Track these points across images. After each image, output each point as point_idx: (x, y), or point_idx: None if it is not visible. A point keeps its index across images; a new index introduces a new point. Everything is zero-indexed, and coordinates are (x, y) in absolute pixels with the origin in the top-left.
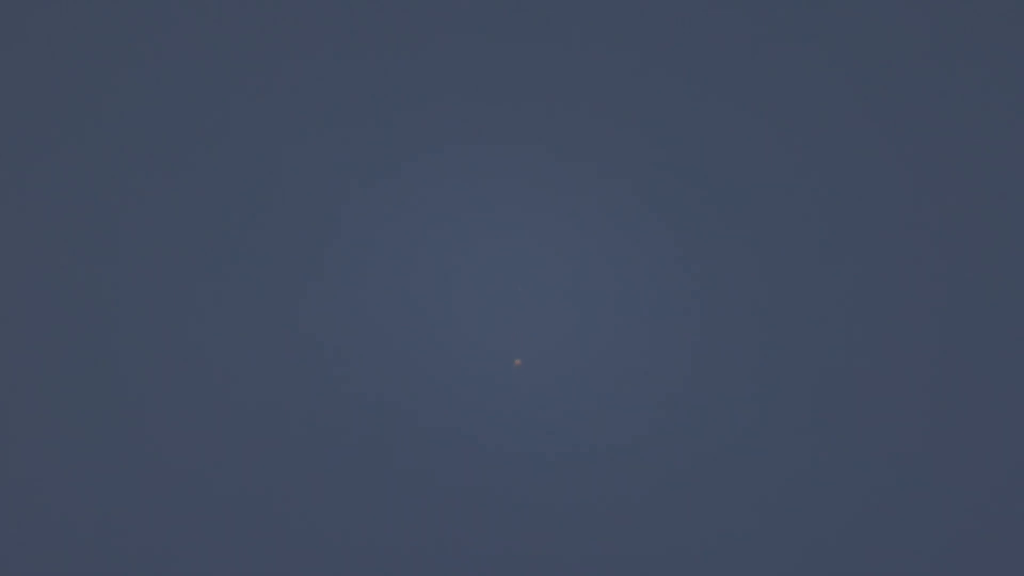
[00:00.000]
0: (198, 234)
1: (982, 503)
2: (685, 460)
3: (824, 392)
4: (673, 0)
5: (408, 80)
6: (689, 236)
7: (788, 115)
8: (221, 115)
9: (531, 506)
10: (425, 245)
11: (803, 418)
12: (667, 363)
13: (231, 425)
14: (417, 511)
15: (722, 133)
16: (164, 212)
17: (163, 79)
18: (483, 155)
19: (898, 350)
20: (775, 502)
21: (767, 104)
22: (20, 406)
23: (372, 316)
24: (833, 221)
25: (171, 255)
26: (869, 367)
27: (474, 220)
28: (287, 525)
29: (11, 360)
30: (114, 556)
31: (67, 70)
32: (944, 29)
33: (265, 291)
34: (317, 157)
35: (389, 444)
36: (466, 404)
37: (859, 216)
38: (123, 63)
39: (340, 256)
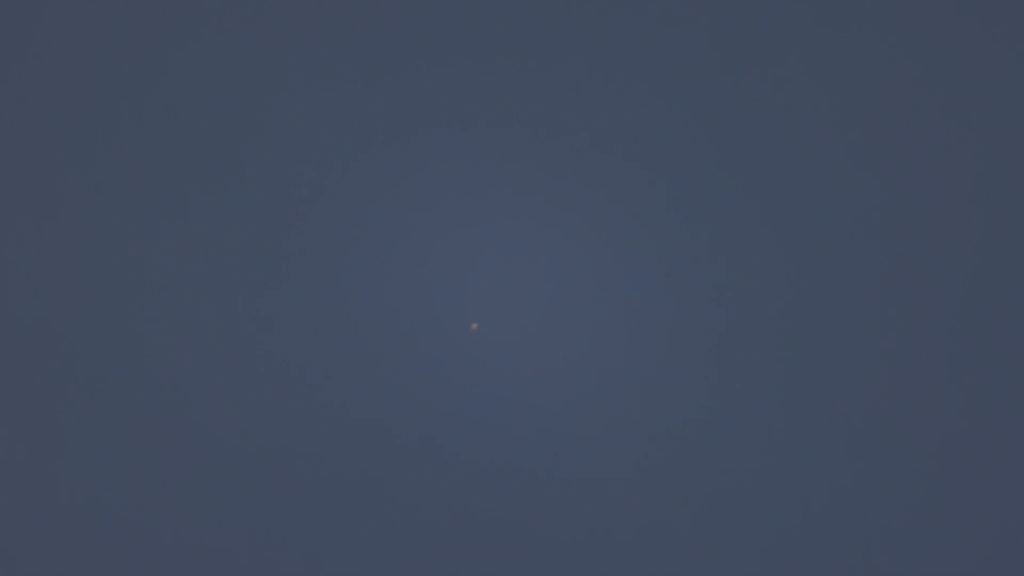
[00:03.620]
0: (175, 241)
1: (1011, 513)
2: (696, 476)
3: (846, 402)
4: None
5: (407, 71)
6: (705, 240)
7: (813, 114)
8: (204, 112)
9: (531, 519)
10: (426, 244)
11: (823, 428)
12: (682, 370)
13: (216, 433)
14: (411, 523)
15: (739, 132)
16: (148, 209)
17: (143, 67)
18: (484, 148)
19: (924, 359)
20: (791, 518)
21: (786, 103)
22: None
23: (372, 317)
24: (857, 225)
25: (158, 257)
26: (894, 376)
27: (476, 219)
28: (278, 537)
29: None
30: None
31: (60, 70)
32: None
33: (255, 290)
34: (310, 154)
35: (384, 450)
36: (467, 411)
37: (885, 221)
38: (151, 79)
39: (338, 255)
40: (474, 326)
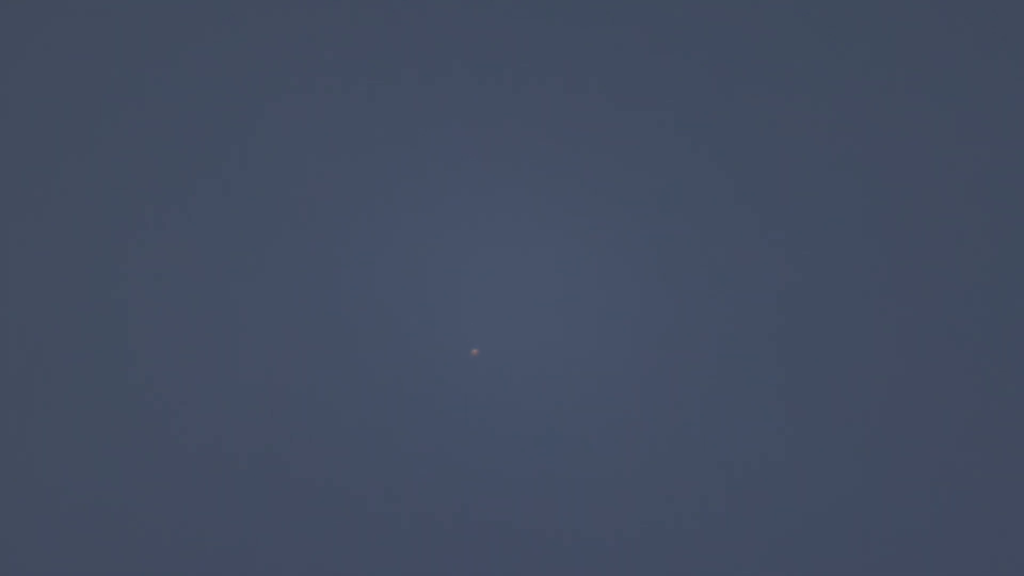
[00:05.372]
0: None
1: (1011, 512)
2: (698, 481)
3: (851, 406)
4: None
5: (415, 81)
6: (706, 244)
7: (807, 114)
8: (228, 126)
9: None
10: (425, 250)
11: (827, 431)
12: (685, 377)
13: (205, 440)
14: (407, 530)
15: (737, 134)
16: (171, 216)
17: (173, 85)
18: (487, 153)
19: (924, 359)
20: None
21: (782, 105)
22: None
23: (372, 320)
24: (857, 226)
25: (155, 261)
26: (896, 377)
27: (480, 224)
28: (270, 545)
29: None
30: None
31: (93, 78)
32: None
33: (273, 291)
34: (324, 162)
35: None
36: (471, 412)
37: (885, 220)
38: (144, 75)
39: (337, 259)
40: (475, 351)
